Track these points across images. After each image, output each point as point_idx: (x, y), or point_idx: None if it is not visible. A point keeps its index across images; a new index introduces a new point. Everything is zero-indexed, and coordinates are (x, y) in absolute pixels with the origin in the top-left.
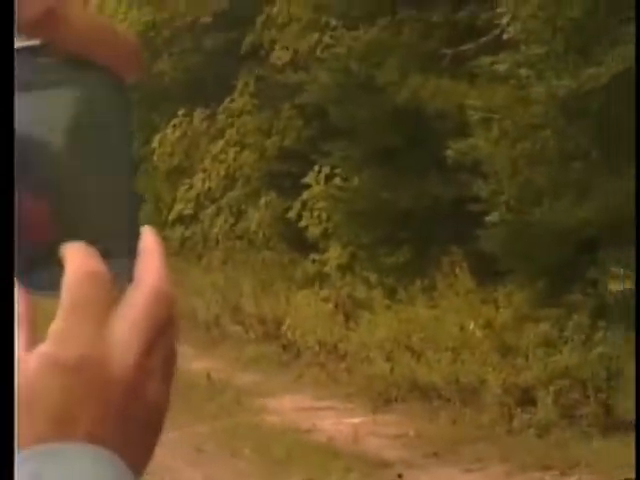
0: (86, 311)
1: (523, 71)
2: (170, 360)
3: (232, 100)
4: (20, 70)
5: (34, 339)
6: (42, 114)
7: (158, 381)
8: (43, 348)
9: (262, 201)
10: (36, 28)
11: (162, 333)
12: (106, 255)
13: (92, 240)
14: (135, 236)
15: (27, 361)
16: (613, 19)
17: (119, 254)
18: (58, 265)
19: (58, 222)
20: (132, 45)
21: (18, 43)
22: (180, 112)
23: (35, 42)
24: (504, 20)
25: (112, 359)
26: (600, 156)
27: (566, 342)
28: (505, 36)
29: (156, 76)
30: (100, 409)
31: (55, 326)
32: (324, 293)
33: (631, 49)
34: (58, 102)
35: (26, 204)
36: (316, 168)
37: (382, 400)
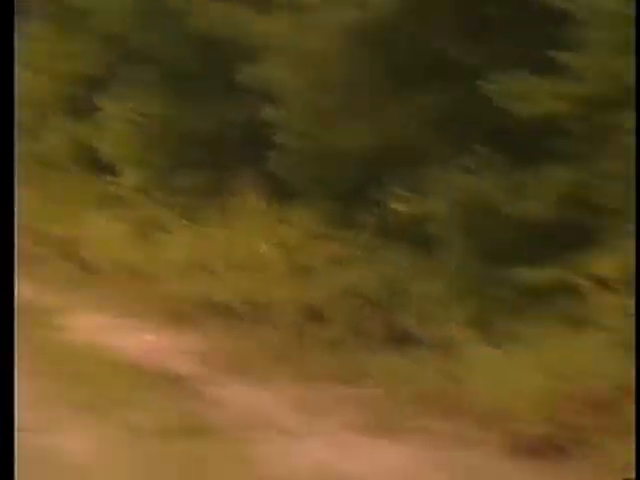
0: None
1: (312, 1)
2: None
3: (28, 25)
4: None
5: None
6: None
7: None
8: None
9: (57, 124)
10: None
11: None
12: None
13: None
14: None
15: None
16: None
17: None
18: None
19: None
20: None
21: None
22: None
23: None
24: None
25: None
26: (386, 84)
27: (354, 261)
28: None
29: None
30: None
31: None
32: (119, 214)
33: None
34: None
35: None
36: (111, 92)
37: (178, 318)
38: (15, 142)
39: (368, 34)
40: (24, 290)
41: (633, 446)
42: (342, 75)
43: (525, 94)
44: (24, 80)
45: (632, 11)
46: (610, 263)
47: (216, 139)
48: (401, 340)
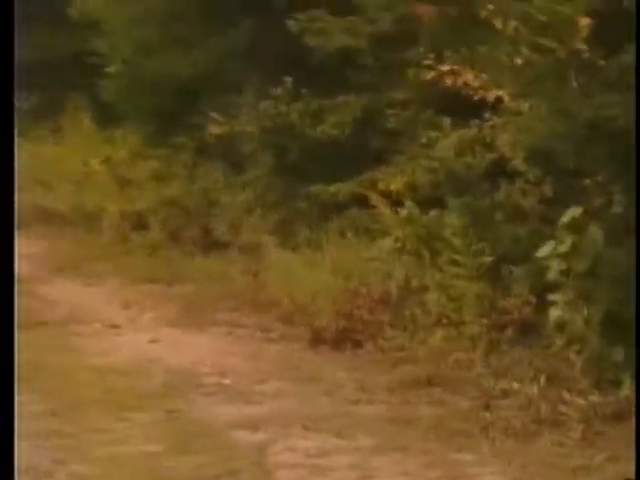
0: None
1: None
2: None
3: None
4: None
5: None
6: None
7: None
8: None
9: None
10: None
11: None
12: None
13: None
14: None
15: None
16: None
17: None
18: None
19: None
20: None
21: None
22: None
23: None
24: None
25: None
26: (201, 19)
27: (173, 177)
28: None
29: None
30: None
31: None
32: None
33: None
34: None
35: None
36: None
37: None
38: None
39: None
40: None
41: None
42: (161, 10)
43: (322, 30)
44: None
45: None
46: (396, 180)
47: (48, 67)
48: (214, 245)
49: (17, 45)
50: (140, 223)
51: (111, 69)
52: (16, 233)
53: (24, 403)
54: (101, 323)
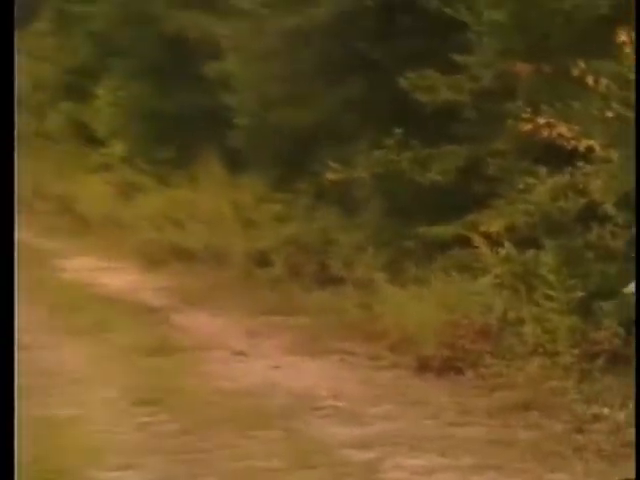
0: None
1: (261, 9)
2: None
3: (36, 25)
4: None
5: None
6: None
7: None
8: None
9: (60, 106)
10: None
11: None
12: None
13: None
14: None
15: None
16: None
17: None
18: None
19: None
20: None
21: None
22: None
23: None
24: None
25: None
26: (321, 76)
27: (294, 218)
28: None
29: None
30: None
31: None
32: (108, 179)
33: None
34: None
35: None
36: (103, 81)
37: (152, 261)
38: (15, 122)
39: (306, 37)
40: (28, 237)
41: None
42: (285, 69)
43: (430, 87)
44: (32, 69)
45: (515, 22)
46: (496, 222)
47: (186, 119)
48: (329, 280)
49: (153, 98)
50: (263, 260)
51: (240, 121)
52: (146, 268)
53: (161, 422)
54: (228, 350)
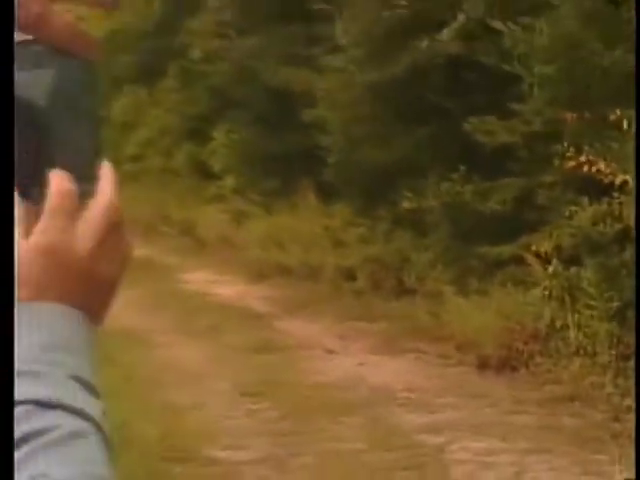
0: (60, 215)
1: (350, 66)
2: (120, 249)
3: (164, 82)
4: (20, 55)
5: (29, 233)
6: (35, 85)
7: (108, 263)
8: (32, 238)
9: (184, 147)
10: (29, 28)
11: (111, 231)
12: (77, 180)
13: (68, 169)
14: (97, 168)
15: (22, 246)
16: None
17: (86, 179)
18: (45, 184)
19: (47, 155)
20: (92, 40)
21: (18, 37)
22: (130, 88)
23: (29, 37)
24: (339, 32)
25: (76, 247)
26: (398, 121)
27: (375, 240)
28: (340, 43)
29: (120, 63)
30: (67, 280)
31: (40, 224)
32: (222, 207)
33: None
34: (45, 77)
35: (23, 145)
36: (219, 126)
37: (258, 275)
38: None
39: (386, 88)
40: (154, 254)
41: (563, 367)
42: (369, 115)
43: (489, 131)
44: (160, 117)
45: (561, 76)
46: (545, 243)
47: (287, 158)
48: (404, 292)
49: (260, 140)
50: (350, 275)
51: (331, 159)
52: (252, 281)
53: (265, 410)
54: (321, 349)
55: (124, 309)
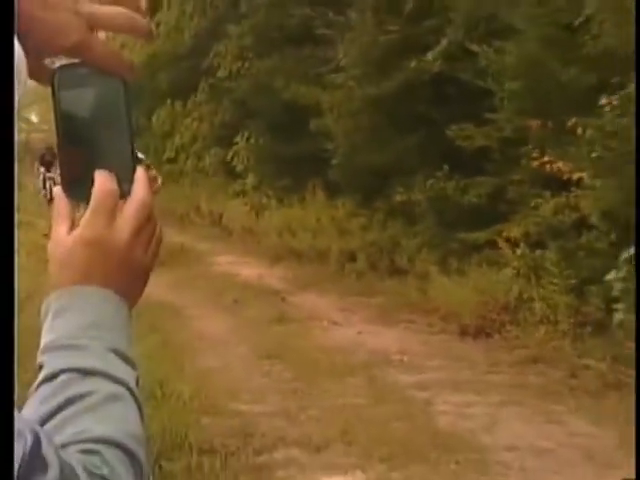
0: (103, 212)
1: (350, 83)
2: (153, 239)
3: (195, 96)
4: (66, 76)
5: (71, 227)
6: (79, 101)
7: (144, 251)
8: (77, 231)
9: (212, 151)
10: (71, 53)
11: (145, 225)
12: (118, 180)
13: (111, 171)
14: (134, 171)
15: (67, 240)
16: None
17: (124, 181)
18: (90, 183)
19: (91, 161)
20: (128, 63)
21: (64, 61)
22: (167, 102)
23: (74, 60)
24: (341, 56)
25: (116, 238)
26: (392, 129)
27: (372, 228)
28: (342, 63)
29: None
30: (107, 268)
31: (85, 219)
32: (244, 201)
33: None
34: (88, 94)
35: (69, 152)
36: (240, 133)
37: (274, 258)
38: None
39: (381, 101)
40: (187, 241)
41: (530, 334)
42: (367, 123)
43: (468, 136)
44: (193, 126)
45: (526, 90)
46: (514, 230)
47: (298, 160)
48: (397, 272)
49: (275, 145)
50: (351, 257)
51: (335, 161)
52: (270, 263)
53: (279, 371)
54: (327, 320)
55: (164, 287)
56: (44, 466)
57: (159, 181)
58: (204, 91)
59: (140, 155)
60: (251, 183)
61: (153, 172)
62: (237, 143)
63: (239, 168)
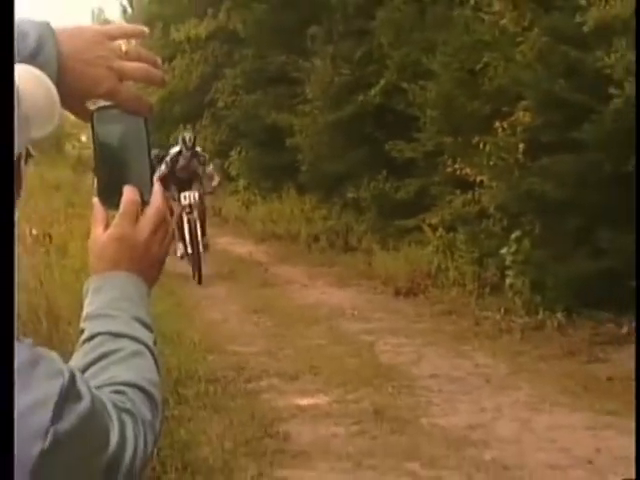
0: (128, 216)
1: (315, 111)
2: (166, 237)
3: (201, 122)
4: (101, 115)
5: (105, 228)
6: (111, 134)
7: (159, 246)
8: (110, 230)
9: (214, 161)
10: (106, 97)
11: (160, 227)
12: (140, 192)
13: (135, 186)
14: (152, 185)
15: (102, 237)
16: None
17: (145, 193)
18: (120, 195)
19: (120, 178)
20: (147, 104)
21: (101, 104)
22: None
23: (108, 103)
24: (308, 92)
25: (138, 236)
26: (349, 143)
27: (331, 217)
28: (308, 97)
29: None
30: (131, 258)
31: (115, 221)
32: (237, 198)
33: (352, 104)
34: (118, 129)
35: (104, 172)
36: (234, 149)
37: (259, 240)
38: (15, 126)
39: (338, 125)
40: None
41: (445, 294)
42: (327, 141)
43: (400, 149)
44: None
45: (443, 116)
46: (435, 218)
47: (277, 168)
48: (349, 249)
49: (261, 157)
50: (316, 239)
51: (304, 168)
52: (257, 242)
53: (264, 322)
54: (299, 284)
55: (179, 261)
56: (78, 397)
57: (216, 180)
58: (207, 118)
59: (202, 152)
60: (242, 185)
61: (211, 170)
62: (232, 156)
63: (233, 174)
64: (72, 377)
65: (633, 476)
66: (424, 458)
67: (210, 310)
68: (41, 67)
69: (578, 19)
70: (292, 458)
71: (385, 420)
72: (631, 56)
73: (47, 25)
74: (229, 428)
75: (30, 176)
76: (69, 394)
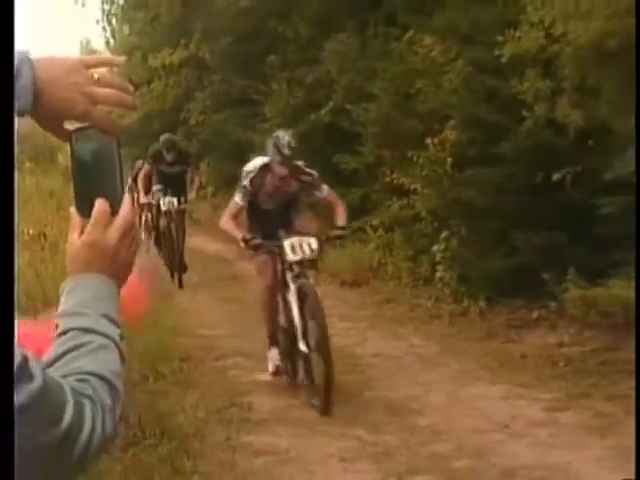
0: (99, 224)
1: (275, 129)
2: (133, 243)
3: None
4: (79, 135)
5: (80, 235)
6: (88, 152)
7: (127, 250)
8: (83, 237)
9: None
10: (80, 118)
11: (127, 234)
12: (111, 204)
13: (105, 198)
14: (122, 198)
15: (77, 243)
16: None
17: (115, 204)
18: (93, 205)
19: (94, 191)
20: (118, 125)
21: (78, 125)
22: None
23: (85, 125)
24: (267, 112)
25: (107, 242)
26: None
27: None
28: (267, 116)
29: (151, 128)
30: (102, 261)
31: (88, 228)
32: (207, 203)
33: (305, 122)
34: (93, 147)
35: (81, 185)
36: (204, 161)
37: (226, 239)
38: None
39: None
40: None
41: (384, 284)
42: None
43: (347, 162)
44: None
45: (383, 133)
46: (376, 220)
47: (239, 178)
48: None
49: (228, 168)
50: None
51: None
52: (225, 242)
53: (234, 309)
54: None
55: (157, 258)
56: (30, 377)
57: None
58: (181, 134)
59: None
60: (210, 191)
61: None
62: (201, 167)
63: (204, 182)
64: (25, 359)
65: (633, 476)
66: (368, 425)
67: (183, 299)
68: (18, 91)
69: (496, 52)
70: (255, 425)
71: (335, 393)
72: (540, 83)
73: (25, 54)
74: (201, 400)
75: (28, 184)
76: (20, 374)
